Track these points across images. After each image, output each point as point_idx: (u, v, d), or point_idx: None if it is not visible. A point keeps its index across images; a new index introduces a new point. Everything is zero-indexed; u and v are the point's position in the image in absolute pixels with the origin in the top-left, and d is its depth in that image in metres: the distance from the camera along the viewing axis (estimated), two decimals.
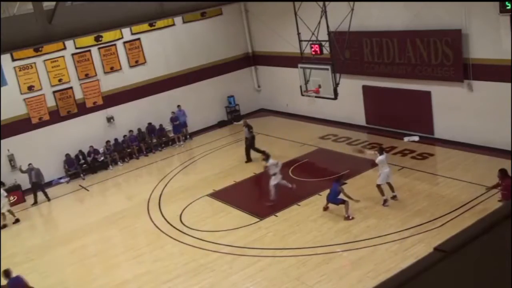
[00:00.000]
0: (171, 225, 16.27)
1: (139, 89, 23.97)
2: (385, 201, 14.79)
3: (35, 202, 20.36)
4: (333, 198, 14.59)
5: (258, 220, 15.55)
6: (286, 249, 13.60)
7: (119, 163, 23.04)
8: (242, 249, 14.03)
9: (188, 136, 24.55)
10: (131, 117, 23.63)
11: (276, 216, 15.50)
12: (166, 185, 19.85)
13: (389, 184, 14.89)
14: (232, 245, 14.35)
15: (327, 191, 14.92)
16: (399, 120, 19.94)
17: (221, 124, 25.90)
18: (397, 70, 19.28)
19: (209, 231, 15.35)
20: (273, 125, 24.75)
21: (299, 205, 15.84)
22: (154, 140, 24.08)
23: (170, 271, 13.59)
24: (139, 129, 23.80)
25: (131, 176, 21.90)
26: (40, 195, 20.35)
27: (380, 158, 14.79)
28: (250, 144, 20.37)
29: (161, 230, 16.11)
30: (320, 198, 15.66)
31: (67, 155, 22.21)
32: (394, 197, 14.95)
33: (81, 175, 22.30)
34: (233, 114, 26.25)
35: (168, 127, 24.36)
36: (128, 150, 23.40)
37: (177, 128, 24.23)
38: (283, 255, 13.35)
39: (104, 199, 20.38)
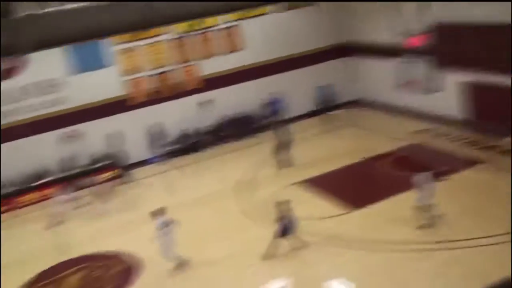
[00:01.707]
0: (261, 210, 16.45)
1: (235, 75, 24.42)
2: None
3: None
4: None
5: (348, 210, 15.39)
6: (376, 242, 13.36)
7: (213, 146, 23.58)
8: (330, 239, 13.95)
9: (279, 124, 24.66)
10: (227, 102, 24.18)
11: (368, 208, 15.27)
12: (257, 170, 20.10)
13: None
14: (320, 233, 14.30)
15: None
16: (503, 119, 18.89)
17: (313, 114, 25.79)
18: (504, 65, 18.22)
19: (298, 218, 15.36)
20: (367, 117, 24.34)
21: (391, 200, 15.50)
22: (247, 126, 24.45)
23: (256, 255, 13.72)
24: (234, 114, 24.28)
25: (224, 159, 22.35)
26: None
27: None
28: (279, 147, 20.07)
29: (250, 214, 16.35)
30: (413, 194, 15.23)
31: (161, 136, 23.04)
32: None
33: (175, 155, 23.08)
34: (326, 105, 26.04)
35: (262, 113, 24.64)
36: (222, 134, 23.93)
37: (270, 115, 24.42)
38: (374, 249, 13.14)
39: (196, 180, 20.88)
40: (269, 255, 13.40)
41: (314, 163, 19.54)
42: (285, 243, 13.46)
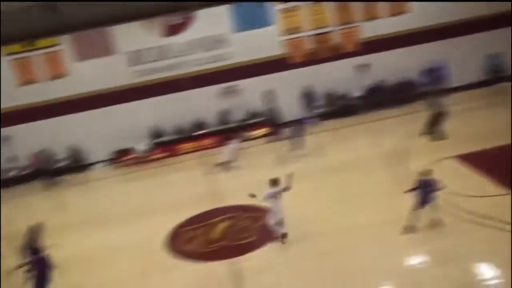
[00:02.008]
0: (410, 180, 15.89)
1: (398, 38, 23.54)
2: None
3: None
4: None
5: (507, 192, 14.28)
6: None
7: (367, 111, 23.18)
8: (483, 219, 13.11)
9: (438, 93, 23.37)
10: (386, 66, 23.40)
11: None
12: (411, 140, 19.39)
13: None
14: (473, 212, 13.49)
15: None
16: None
17: (478, 85, 24.05)
18: None
19: (451, 193, 14.62)
20: None
21: None
22: (404, 93, 23.56)
23: (398, 226, 13.34)
24: (391, 80, 23.52)
25: (377, 126, 21.90)
26: None
27: None
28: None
29: (399, 184, 15.87)
30: None
31: (315, 97, 23.08)
32: None
33: (328, 118, 23.07)
34: (493, 76, 24.11)
35: (422, 80, 23.56)
36: (377, 100, 23.39)
37: (431, 83, 23.26)
38: None
39: (346, 144, 20.67)
40: (409, 228, 12.98)
41: (472, 137, 18.30)
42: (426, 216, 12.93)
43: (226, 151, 19.19)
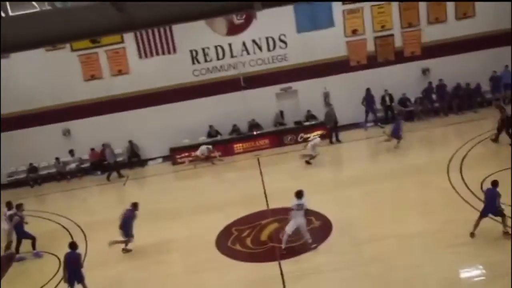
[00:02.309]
0: (469, 190, 15.31)
1: (462, 43, 22.67)
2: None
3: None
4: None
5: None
6: None
7: (428, 117, 22.60)
8: None
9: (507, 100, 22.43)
10: (449, 71, 22.60)
11: None
12: (472, 147, 18.70)
13: None
14: None
15: None
16: None
17: None
18: None
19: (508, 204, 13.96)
20: None
21: None
22: (469, 99, 22.77)
23: (460, 236, 12.86)
24: (456, 85, 22.84)
25: (438, 132, 21.29)
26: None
27: None
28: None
29: (458, 193, 15.33)
30: None
31: (368, 100, 22.70)
32: None
33: (386, 122, 22.59)
34: None
35: (489, 86, 22.72)
36: (440, 105, 22.76)
37: (498, 89, 22.34)
38: None
39: (404, 150, 20.17)
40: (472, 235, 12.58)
41: None
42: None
43: (310, 146, 19.36)
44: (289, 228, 13.24)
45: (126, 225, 14.33)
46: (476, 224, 12.68)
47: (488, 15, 22.47)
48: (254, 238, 14.48)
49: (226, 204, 16.99)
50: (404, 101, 22.81)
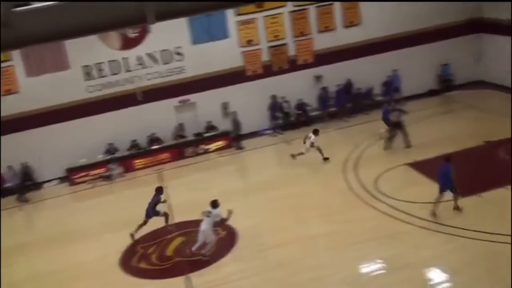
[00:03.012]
0: (365, 189, 16.06)
1: (350, 50, 23.72)
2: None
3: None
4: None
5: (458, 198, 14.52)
6: (486, 233, 12.50)
7: (324, 121, 23.28)
8: (438, 225, 13.30)
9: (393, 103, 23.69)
10: (339, 77, 23.58)
11: (481, 196, 14.33)
12: (365, 148, 19.60)
13: None
14: (427, 219, 13.67)
15: None
16: None
17: (431, 93, 24.53)
18: None
19: (404, 201, 14.79)
20: (490, 100, 22.73)
21: (506, 189, 14.40)
22: (360, 103, 23.84)
23: (359, 234, 13.47)
24: (345, 88, 23.76)
25: (331, 135, 21.99)
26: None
27: None
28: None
29: (355, 193, 16.01)
30: None
31: (273, 107, 23.12)
32: None
33: (285, 128, 23.12)
34: (446, 84, 24.67)
35: (377, 90, 23.89)
36: (333, 110, 23.58)
37: (388, 92, 23.58)
38: (481, 239, 12.33)
39: (305, 155, 20.73)
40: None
41: (429, 144, 18.61)
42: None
43: (308, 144, 19.13)
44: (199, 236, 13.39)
45: (150, 208, 14.99)
46: (436, 202, 13.52)
47: (373, 23, 23.67)
48: (159, 254, 14.24)
49: (131, 221, 16.51)
50: (301, 105, 23.45)
